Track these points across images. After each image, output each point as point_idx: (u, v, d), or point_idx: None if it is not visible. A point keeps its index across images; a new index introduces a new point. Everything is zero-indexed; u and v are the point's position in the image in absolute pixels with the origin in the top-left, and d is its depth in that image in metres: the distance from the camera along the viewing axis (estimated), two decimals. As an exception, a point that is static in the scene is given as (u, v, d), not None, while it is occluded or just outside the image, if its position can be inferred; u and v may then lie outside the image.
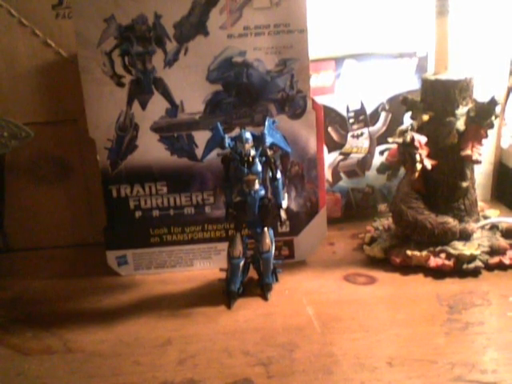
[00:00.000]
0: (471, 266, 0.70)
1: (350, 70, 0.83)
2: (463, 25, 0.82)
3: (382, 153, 0.87)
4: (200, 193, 0.75)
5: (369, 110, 0.86)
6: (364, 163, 0.87)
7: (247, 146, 0.64)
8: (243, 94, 0.72)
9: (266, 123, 0.65)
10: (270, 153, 0.66)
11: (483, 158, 0.73)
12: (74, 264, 0.82)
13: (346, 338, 0.60)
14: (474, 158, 0.72)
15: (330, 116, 0.84)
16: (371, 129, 0.86)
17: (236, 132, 0.67)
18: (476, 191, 0.76)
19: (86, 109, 0.72)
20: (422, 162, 0.71)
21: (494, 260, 0.71)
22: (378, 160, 0.87)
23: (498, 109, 0.71)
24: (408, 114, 0.77)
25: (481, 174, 0.90)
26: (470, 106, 0.72)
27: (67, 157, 0.85)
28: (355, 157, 0.87)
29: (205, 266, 0.77)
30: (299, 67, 0.71)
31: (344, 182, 0.88)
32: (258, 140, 0.65)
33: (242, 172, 0.64)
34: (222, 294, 0.68)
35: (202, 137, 0.71)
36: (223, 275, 0.69)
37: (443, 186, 0.74)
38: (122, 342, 0.61)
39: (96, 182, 0.78)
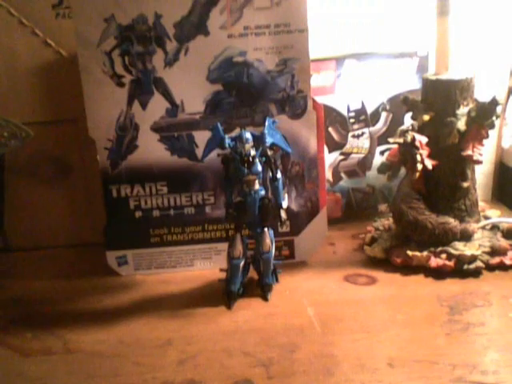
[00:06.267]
0: (472, 266, 0.70)
1: (351, 69, 0.83)
2: (464, 24, 0.82)
3: (382, 153, 0.87)
4: (200, 193, 0.75)
5: (369, 110, 0.85)
6: (364, 163, 0.87)
7: (247, 146, 0.63)
8: (243, 93, 0.72)
9: (266, 123, 0.65)
10: (270, 153, 0.66)
11: (484, 158, 0.73)
12: (74, 264, 0.82)
13: (347, 338, 0.59)
14: (475, 158, 0.72)
15: (331, 116, 0.84)
16: (372, 129, 0.86)
17: (236, 132, 0.67)
18: (477, 191, 0.76)
19: (86, 109, 0.72)
20: (422, 162, 0.71)
21: (495, 260, 0.71)
22: (378, 160, 0.87)
23: (498, 109, 0.71)
24: (409, 114, 0.77)
25: (482, 174, 0.90)
26: (471, 106, 0.72)
27: (67, 157, 0.84)
28: (356, 157, 0.87)
29: (205, 266, 0.77)
30: (300, 67, 0.71)
31: (344, 182, 0.88)
32: (258, 140, 0.65)
33: (242, 172, 0.64)
34: (222, 295, 0.68)
35: (202, 137, 0.71)
36: (223, 275, 0.69)
37: (444, 187, 0.74)
38: (122, 343, 0.61)
39: (96, 182, 0.77)
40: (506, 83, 0.88)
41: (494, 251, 0.72)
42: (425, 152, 0.72)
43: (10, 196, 0.86)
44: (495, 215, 0.80)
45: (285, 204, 0.68)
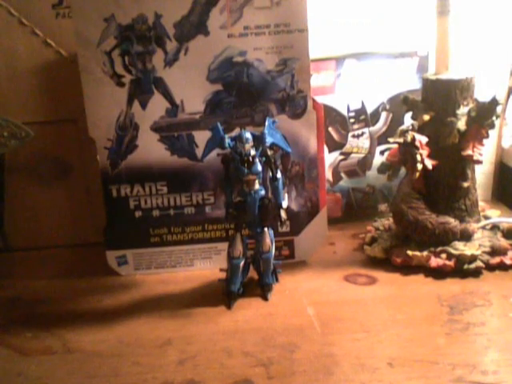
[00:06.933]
0: (472, 266, 0.70)
1: (351, 69, 0.83)
2: (464, 24, 0.82)
3: (382, 153, 0.87)
4: (200, 193, 0.75)
5: (369, 110, 0.85)
6: (364, 163, 0.87)
7: (247, 146, 0.63)
8: (243, 93, 0.72)
9: (266, 123, 0.65)
10: (270, 153, 0.66)
11: (484, 158, 0.73)
12: (74, 264, 0.82)
13: (347, 338, 0.59)
14: (475, 158, 0.72)
15: (331, 116, 0.84)
16: (372, 128, 0.86)
17: (236, 132, 0.67)
18: (477, 191, 0.76)
19: (86, 108, 0.72)
20: (422, 161, 0.71)
21: (495, 260, 0.71)
22: (378, 160, 0.87)
23: (498, 109, 0.71)
24: (409, 114, 0.77)
25: (482, 174, 0.90)
26: (471, 105, 0.72)
27: (67, 157, 0.84)
28: (356, 157, 0.87)
29: (205, 266, 0.77)
30: (300, 67, 0.71)
31: (344, 182, 0.88)
32: (258, 140, 0.65)
33: (242, 172, 0.64)
34: (222, 294, 0.68)
35: (202, 137, 0.71)
36: (223, 275, 0.69)
37: (444, 186, 0.74)
38: (121, 343, 0.61)
39: (96, 182, 0.77)
40: (506, 83, 0.88)
41: (494, 251, 0.71)
42: (425, 152, 0.72)
43: (10, 196, 0.86)
44: (495, 215, 0.80)
45: (285, 204, 0.68)
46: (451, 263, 0.70)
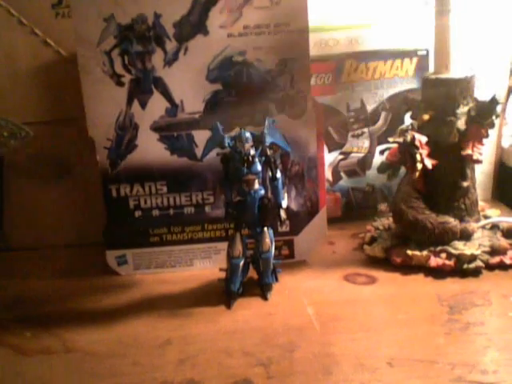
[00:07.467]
0: (472, 265, 0.70)
1: (351, 69, 0.83)
2: (464, 24, 0.82)
3: (382, 152, 0.87)
4: (200, 192, 0.75)
5: (369, 110, 0.85)
6: (364, 163, 0.87)
7: (247, 145, 0.63)
8: (243, 93, 0.72)
9: (266, 123, 0.65)
10: (269, 152, 0.66)
11: (484, 157, 0.73)
12: (74, 264, 0.82)
13: (346, 338, 0.59)
14: (475, 157, 0.72)
15: (331, 116, 0.84)
16: (371, 128, 0.86)
17: (236, 131, 0.67)
18: (476, 191, 0.76)
19: (86, 108, 0.72)
20: (422, 161, 0.71)
21: (495, 260, 0.71)
22: (378, 159, 0.87)
23: (498, 108, 0.71)
24: (408, 114, 0.77)
25: (481, 174, 0.90)
26: (471, 105, 0.72)
27: (67, 156, 0.84)
28: (355, 156, 0.87)
29: (205, 265, 0.77)
30: (299, 67, 0.71)
31: (344, 182, 0.88)
32: (258, 140, 0.65)
33: (242, 172, 0.64)
34: (222, 294, 0.68)
35: (201, 136, 0.71)
36: (223, 275, 0.69)
37: (444, 186, 0.74)
38: (121, 342, 0.61)
39: (95, 182, 0.77)
40: (505, 83, 0.88)
41: (494, 251, 0.71)
42: (424, 151, 0.72)
43: (10, 196, 0.86)
44: (495, 215, 0.80)
45: (284, 204, 0.68)
46: (451, 263, 0.70)
